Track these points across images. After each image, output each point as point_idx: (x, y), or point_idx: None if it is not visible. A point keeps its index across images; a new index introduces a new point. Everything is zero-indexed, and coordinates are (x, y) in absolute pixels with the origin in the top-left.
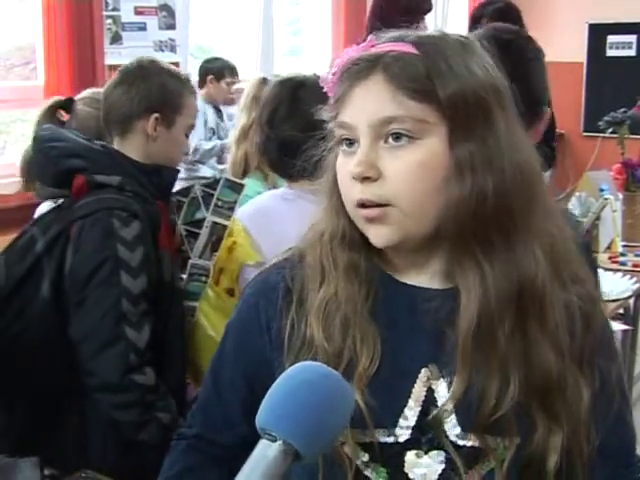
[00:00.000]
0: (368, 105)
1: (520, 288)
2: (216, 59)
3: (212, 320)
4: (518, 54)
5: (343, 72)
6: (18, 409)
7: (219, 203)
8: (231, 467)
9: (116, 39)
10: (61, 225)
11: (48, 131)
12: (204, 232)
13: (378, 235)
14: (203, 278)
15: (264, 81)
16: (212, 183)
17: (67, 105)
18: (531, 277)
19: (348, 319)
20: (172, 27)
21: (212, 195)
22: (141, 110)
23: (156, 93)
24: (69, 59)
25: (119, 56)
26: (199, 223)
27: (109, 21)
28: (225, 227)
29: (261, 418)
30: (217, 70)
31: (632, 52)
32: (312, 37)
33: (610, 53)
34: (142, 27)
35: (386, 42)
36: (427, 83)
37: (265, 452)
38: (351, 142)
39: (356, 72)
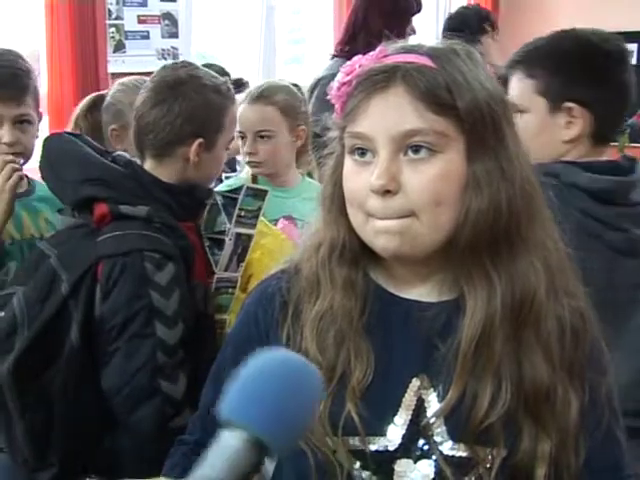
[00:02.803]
0: (388, 117)
1: (522, 300)
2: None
3: None
4: None
5: (358, 82)
6: (54, 446)
7: (242, 213)
8: None
9: (119, 47)
10: (85, 263)
11: (57, 144)
12: (228, 244)
13: (388, 246)
14: (230, 290)
15: None
16: (233, 190)
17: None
18: (532, 288)
19: (343, 333)
20: (175, 35)
21: (234, 200)
22: (184, 136)
23: (200, 116)
24: (72, 67)
25: (122, 64)
26: (222, 233)
27: (112, 29)
28: (250, 237)
29: (222, 411)
30: None
31: (633, 61)
32: (314, 45)
33: None
34: (145, 36)
35: (398, 53)
36: (447, 96)
37: (227, 442)
38: (364, 152)
39: (373, 83)
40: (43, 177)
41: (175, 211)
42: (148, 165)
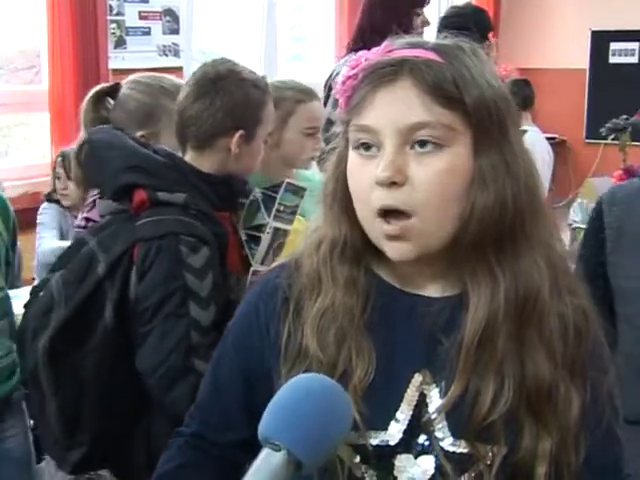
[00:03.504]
0: (395, 109)
1: (525, 297)
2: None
3: None
4: None
5: (364, 75)
6: (85, 426)
7: (281, 208)
8: (227, 466)
9: (120, 43)
10: (123, 246)
11: (102, 135)
12: (265, 238)
13: (397, 250)
14: None
15: None
16: (272, 186)
17: (113, 92)
18: (535, 286)
19: (344, 331)
20: (176, 32)
21: (272, 198)
22: (226, 127)
23: (240, 108)
24: (73, 63)
25: (123, 60)
26: (260, 228)
27: (113, 25)
28: (287, 232)
29: (264, 428)
30: None
31: (634, 59)
32: (315, 43)
33: (613, 60)
34: (146, 32)
35: (404, 48)
36: (454, 90)
37: (269, 461)
38: (369, 146)
39: (380, 75)
40: (85, 168)
41: (212, 200)
42: (189, 156)
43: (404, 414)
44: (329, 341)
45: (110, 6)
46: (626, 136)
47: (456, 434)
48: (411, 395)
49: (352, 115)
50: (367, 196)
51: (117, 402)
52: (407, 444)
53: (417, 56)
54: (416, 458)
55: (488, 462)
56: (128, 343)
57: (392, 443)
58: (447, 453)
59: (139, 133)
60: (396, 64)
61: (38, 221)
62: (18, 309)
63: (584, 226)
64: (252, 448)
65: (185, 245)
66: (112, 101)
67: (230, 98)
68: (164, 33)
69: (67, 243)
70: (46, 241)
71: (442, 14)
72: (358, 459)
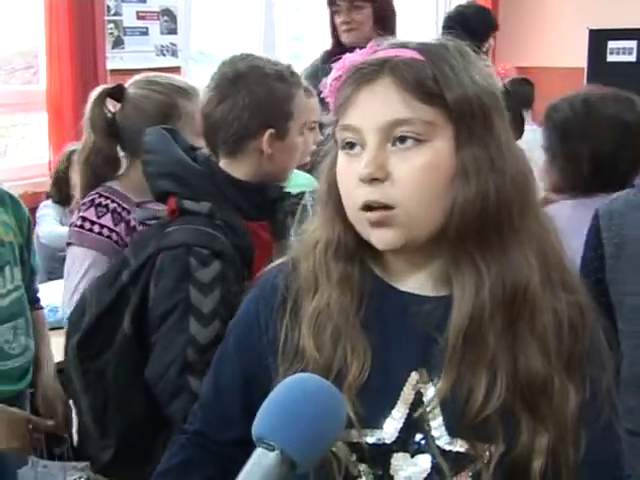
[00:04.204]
0: (376, 107)
1: (513, 291)
2: None
3: None
4: None
5: (348, 76)
6: (111, 428)
7: None
8: (229, 464)
9: (118, 44)
10: (149, 251)
11: (151, 137)
12: None
13: (382, 238)
14: None
15: None
16: None
17: (117, 93)
18: (525, 281)
19: (339, 330)
20: (174, 32)
21: None
22: (254, 129)
23: (266, 106)
24: (71, 63)
25: (120, 61)
26: None
27: (111, 26)
28: None
29: (258, 427)
30: None
31: (632, 58)
32: (313, 42)
33: (611, 59)
34: (144, 32)
35: (388, 48)
36: (434, 87)
37: (261, 461)
38: (353, 145)
39: (361, 75)
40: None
41: (245, 210)
42: (223, 163)
43: (400, 412)
44: (325, 340)
45: (108, 6)
46: None
47: (452, 432)
48: (407, 394)
49: (338, 115)
50: (352, 193)
51: (136, 408)
52: (403, 442)
53: (398, 55)
54: (412, 457)
55: (485, 461)
56: (147, 352)
57: (388, 441)
58: (443, 452)
59: None
60: (377, 64)
61: (37, 215)
62: None
63: None
64: (253, 446)
65: (195, 257)
66: (113, 102)
67: (253, 97)
68: (162, 33)
69: (65, 229)
70: (45, 226)
71: (445, 14)
72: (354, 457)
